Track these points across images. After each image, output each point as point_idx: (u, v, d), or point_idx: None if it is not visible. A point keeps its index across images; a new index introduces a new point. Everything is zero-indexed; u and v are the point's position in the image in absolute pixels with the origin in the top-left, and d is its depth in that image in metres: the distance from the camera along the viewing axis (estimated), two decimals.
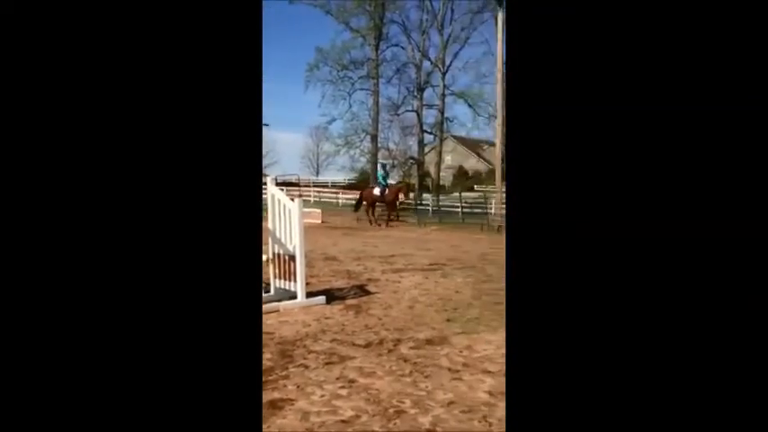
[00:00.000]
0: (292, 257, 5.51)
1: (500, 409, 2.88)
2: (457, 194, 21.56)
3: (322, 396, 3.03)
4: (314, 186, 36.15)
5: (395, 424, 2.68)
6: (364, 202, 19.09)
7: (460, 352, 3.95)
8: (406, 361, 3.70)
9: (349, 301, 5.68)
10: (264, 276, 5.63)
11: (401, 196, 18.78)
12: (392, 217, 18.81)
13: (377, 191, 18.73)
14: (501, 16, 20.41)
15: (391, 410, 2.84)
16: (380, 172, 19.71)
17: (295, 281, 5.48)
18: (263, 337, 4.24)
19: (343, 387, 3.18)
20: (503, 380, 3.36)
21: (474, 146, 42.73)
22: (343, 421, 2.70)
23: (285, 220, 5.66)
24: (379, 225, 17.99)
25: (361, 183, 36.12)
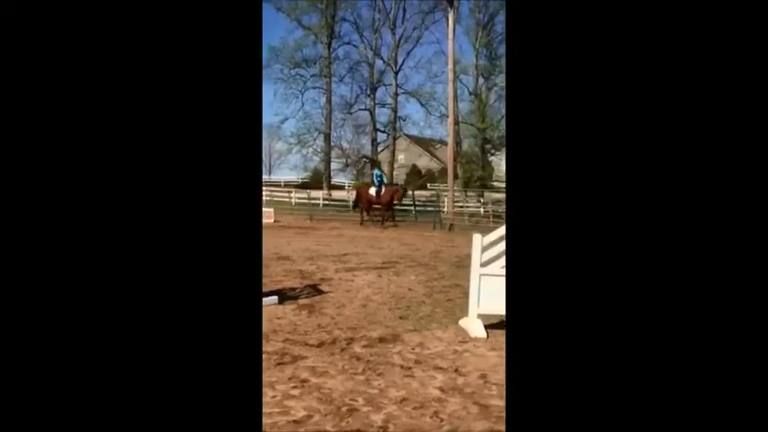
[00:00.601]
0: None
1: (451, 405, 2.93)
2: (410, 193, 21.71)
3: (273, 397, 3.01)
4: (266, 186, 35.73)
5: (347, 423, 2.69)
6: (360, 203, 18.77)
7: (413, 349, 3.99)
8: (358, 359, 3.71)
9: (302, 301, 5.65)
10: None
11: (396, 198, 18.25)
12: (387, 218, 18.18)
13: (372, 191, 18.22)
14: (452, 16, 20.64)
15: (344, 409, 2.85)
16: (377, 172, 19.32)
17: None
18: None
19: (295, 387, 3.16)
20: (453, 375, 3.42)
21: (427, 145, 43.12)
22: (295, 421, 2.69)
23: None
24: (376, 224, 17.51)
25: (313, 182, 35.95)
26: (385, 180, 19.06)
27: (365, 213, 18.30)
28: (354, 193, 18.51)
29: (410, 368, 3.55)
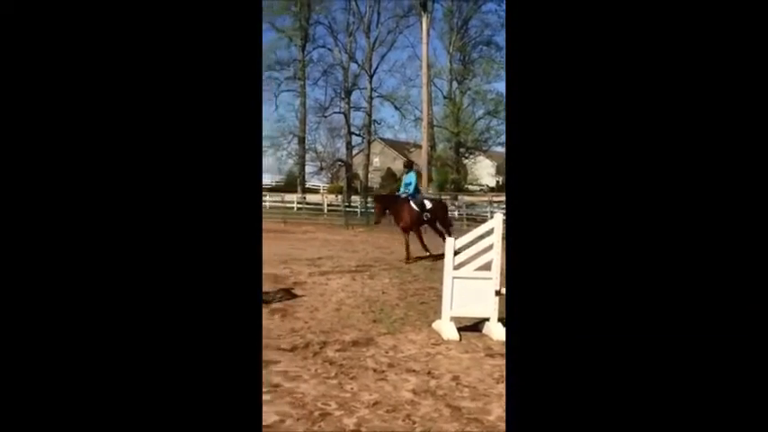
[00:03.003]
0: None
1: (423, 407, 2.94)
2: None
3: None
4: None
5: (319, 427, 2.68)
6: (400, 223, 10.05)
7: (386, 352, 3.99)
8: (331, 363, 3.70)
9: (274, 306, 5.61)
10: None
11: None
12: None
13: (414, 204, 9.85)
14: (426, 20, 20.78)
15: (316, 413, 2.84)
16: (411, 177, 10.28)
17: None
18: None
19: (267, 392, 3.14)
20: (426, 378, 3.43)
21: (401, 148, 43.20)
22: (266, 426, 2.67)
23: None
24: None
25: (287, 185, 35.76)
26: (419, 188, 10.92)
27: (408, 235, 9.85)
28: (378, 206, 10.50)
29: (383, 371, 3.55)
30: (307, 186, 35.50)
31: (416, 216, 9.86)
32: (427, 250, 9.81)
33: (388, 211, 10.20)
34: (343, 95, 35.41)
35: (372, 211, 15.19)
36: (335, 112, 35.95)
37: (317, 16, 34.47)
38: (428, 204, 10.30)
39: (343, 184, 33.16)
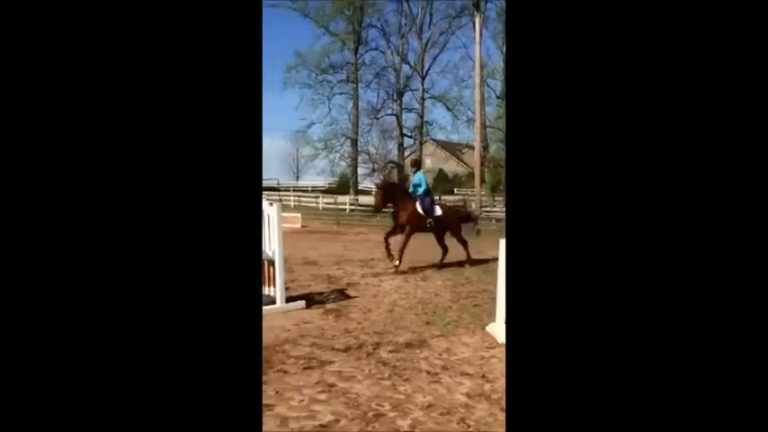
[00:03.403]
0: (271, 262, 5.50)
1: (478, 411, 2.91)
2: (437, 198, 21.50)
3: (301, 401, 3.03)
4: (294, 191, 36.01)
5: (373, 427, 2.70)
6: (397, 222, 8.81)
7: (439, 355, 3.97)
8: (385, 364, 3.71)
9: (329, 306, 5.68)
10: None
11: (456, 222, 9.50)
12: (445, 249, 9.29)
13: (419, 206, 8.63)
14: (479, 20, 20.59)
15: (370, 414, 2.85)
16: (419, 177, 8.89)
17: (274, 286, 5.47)
18: None
19: (322, 391, 3.18)
20: (480, 381, 3.40)
21: (453, 149, 42.97)
22: (321, 426, 2.71)
23: (264, 225, 5.64)
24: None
25: (340, 187, 36.07)
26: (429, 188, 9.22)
27: (399, 238, 8.77)
28: (379, 196, 8.82)
29: (437, 374, 3.54)
30: (359, 188, 35.76)
31: (417, 220, 8.44)
32: (392, 258, 8.25)
33: (390, 204, 8.61)
34: (395, 97, 35.55)
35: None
36: (388, 114, 36.13)
37: (369, 19, 34.77)
38: (438, 211, 8.78)
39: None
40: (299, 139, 39.74)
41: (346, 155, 36.25)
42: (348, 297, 6.18)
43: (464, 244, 9.00)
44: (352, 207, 27.92)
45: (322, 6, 33.95)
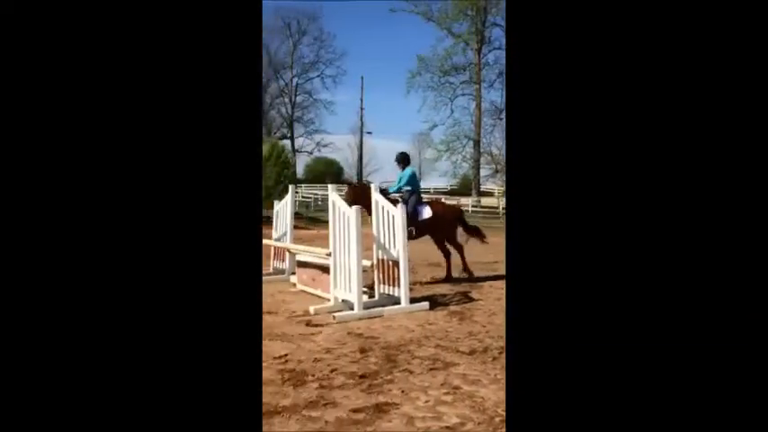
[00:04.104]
0: (396, 263, 5.59)
1: None
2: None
3: (426, 402, 3.04)
4: None
5: None
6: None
7: None
8: None
9: (452, 308, 5.66)
10: (369, 281, 5.75)
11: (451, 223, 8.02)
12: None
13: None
14: None
15: (497, 419, 2.80)
16: (408, 172, 7.71)
17: (399, 286, 5.55)
18: (368, 341, 4.34)
19: (447, 393, 3.17)
20: None
21: None
22: (448, 428, 2.70)
23: (389, 227, 5.75)
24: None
25: (462, 189, 35.86)
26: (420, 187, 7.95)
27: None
28: (349, 198, 6.70)
29: None
30: (481, 189, 35.34)
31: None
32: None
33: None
34: None
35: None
36: None
37: (492, 18, 34.30)
38: (425, 213, 7.35)
39: None
40: (421, 142, 40.07)
41: (468, 156, 36.01)
42: (472, 300, 6.13)
43: (459, 249, 7.92)
44: (475, 209, 27.64)
45: (444, 8, 34.03)
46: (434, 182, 43.06)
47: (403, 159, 7.79)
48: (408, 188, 7.47)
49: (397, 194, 7.47)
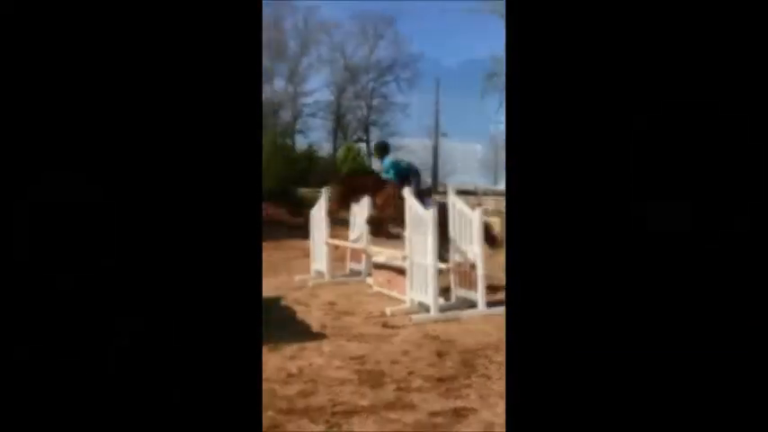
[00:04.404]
0: (473, 266, 5.53)
1: None
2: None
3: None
4: (494, 195, 35.78)
5: None
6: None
7: None
8: None
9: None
10: (445, 284, 5.71)
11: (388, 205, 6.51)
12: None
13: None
14: None
15: None
16: (388, 162, 6.69)
17: (476, 290, 5.49)
18: (445, 344, 4.31)
19: None
20: None
21: None
22: None
23: (465, 229, 5.70)
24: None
25: None
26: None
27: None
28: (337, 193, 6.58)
29: None
30: None
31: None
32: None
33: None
34: None
35: None
36: None
37: None
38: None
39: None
40: (497, 144, 39.41)
41: None
42: None
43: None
44: None
45: None
46: None
47: (381, 149, 6.93)
48: (390, 177, 6.54)
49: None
